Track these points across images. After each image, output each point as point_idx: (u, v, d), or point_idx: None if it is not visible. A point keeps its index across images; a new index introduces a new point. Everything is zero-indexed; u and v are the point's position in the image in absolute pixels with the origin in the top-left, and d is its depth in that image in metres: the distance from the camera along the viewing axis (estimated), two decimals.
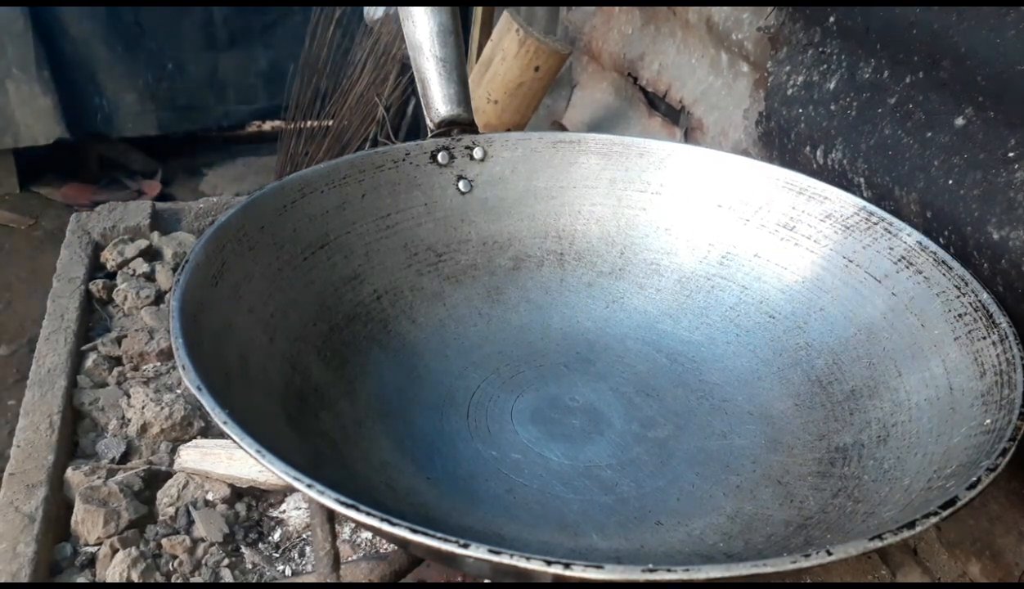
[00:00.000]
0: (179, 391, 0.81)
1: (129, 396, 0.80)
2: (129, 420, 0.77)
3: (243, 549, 0.66)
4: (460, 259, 0.69)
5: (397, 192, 0.67)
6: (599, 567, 0.32)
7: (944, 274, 0.54)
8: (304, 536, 0.68)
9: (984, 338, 0.49)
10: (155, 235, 1.05)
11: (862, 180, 0.70)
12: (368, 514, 0.34)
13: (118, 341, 0.88)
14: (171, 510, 0.68)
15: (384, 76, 1.73)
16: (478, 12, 1.54)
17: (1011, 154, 0.56)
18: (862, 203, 0.61)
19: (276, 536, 0.68)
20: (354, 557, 0.64)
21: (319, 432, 0.53)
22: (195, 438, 0.75)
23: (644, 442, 0.58)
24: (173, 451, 0.74)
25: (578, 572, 0.32)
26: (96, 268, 1.01)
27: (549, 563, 0.32)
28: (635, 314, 0.69)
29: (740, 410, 0.60)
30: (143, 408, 0.77)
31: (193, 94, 2.03)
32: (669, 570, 0.32)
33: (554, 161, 0.71)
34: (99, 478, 0.70)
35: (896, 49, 0.67)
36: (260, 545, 0.67)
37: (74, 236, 1.03)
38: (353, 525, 0.68)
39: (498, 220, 0.70)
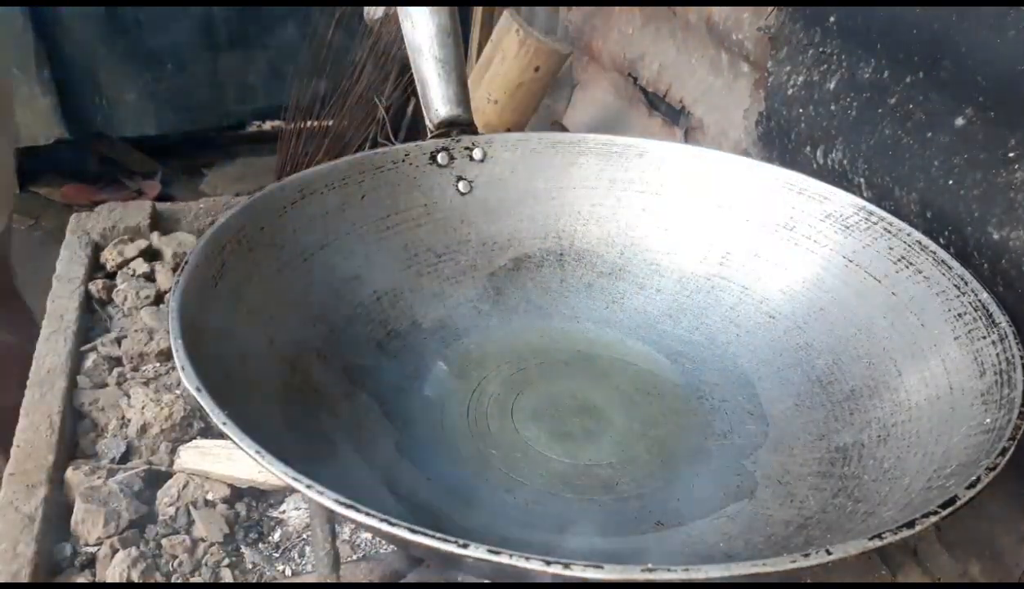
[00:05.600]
0: (179, 391, 0.81)
1: (129, 396, 0.80)
2: (129, 420, 0.77)
3: (243, 549, 0.66)
4: (460, 260, 0.69)
5: (397, 193, 0.67)
6: (599, 567, 0.32)
7: (944, 274, 0.54)
8: (304, 536, 0.68)
9: (984, 337, 0.49)
10: (155, 235, 1.05)
11: (862, 180, 0.70)
12: (368, 514, 0.34)
13: (118, 341, 0.88)
14: (171, 510, 0.68)
15: (384, 76, 1.73)
16: (478, 12, 1.54)
17: (1011, 154, 0.56)
18: (862, 203, 0.61)
19: (276, 536, 0.68)
20: (354, 557, 0.64)
21: (319, 433, 0.53)
22: (195, 438, 0.75)
23: (644, 441, 0.58)
24: (173, 451, 0.74)
25: (578, 572, 0.32)
26: (96, 268, 1.01)
27: (548, 563, 0.32)
28: (635, 314, 0.69)
29: (740, 410, 0.60)
30: (143, 408, 0.77)
31: (193, 94, 2.03)
32: (669, 570, 0.32)
33: (554, 162, 0.71)
34: (99, 478, 0.70)
35: (896, 49, 0.67)
36: (260, 545, 0.67)
37: (74, 236, 1.03)
38: (353, 525, 0.68)
39: (498, 221, 0.70)
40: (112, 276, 1.00)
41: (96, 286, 0.96)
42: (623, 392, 0.62)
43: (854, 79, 0.71)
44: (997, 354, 0.48)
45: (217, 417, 0.40)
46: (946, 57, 0.62)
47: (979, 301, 0.51)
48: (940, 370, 0.51)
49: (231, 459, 0.70)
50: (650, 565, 0.32)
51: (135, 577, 0.62)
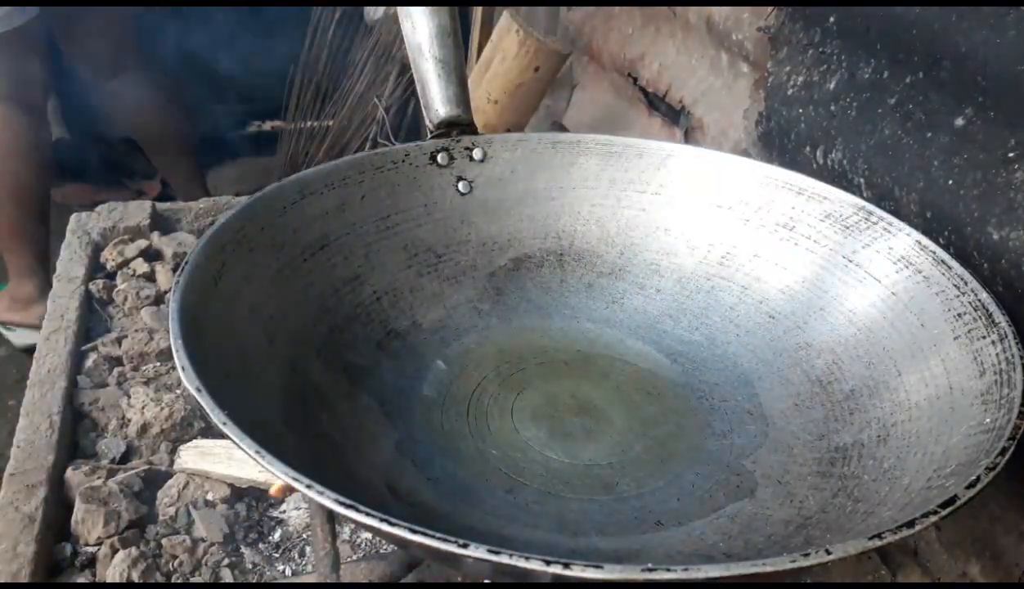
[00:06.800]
0: (179, 391, 0.81)
1: (129, 396, 0.80)
2: (129, 420, 0.77)
3: (243, 549, 0.66)
4: (460, 260, 0.69)
5: (397, 193, 0.67)
6: (598, 567, 0.32)
7: (943, 273, 0.54)
8: (304, 536, 0.68)
9: (983, 337, 0.49)
10: (155, 235, 1.05)
11: (862, 180, 0.70)
12: (367, 514, 0.34)
13: (118, 341, 0.88)
14: (171, 510, 0.68)
15: (384, 76, 1.73)
16: (478, 12, 1.54)
17: (1011, 154, 0.56)
18: (861, 203, 0.61)
19: (276, 536, 0.68)
20: (354, 557, 0.64)
21: (319, 433, 0.53)
22: (195, 438, 0.75)
23: (644, 441, 0.58)
24: (173, 451, 0.74)
25: (577, 572, 0.32)
26: (96, 268, 1.01)
27: (548, 563, 0.32)
28: (635, 314, 0.69)
29: (740, 410, 0.60)
30: (143, 408, 0.77)
31: (193, 94, 2.02)
32: (668, 569, 0.32)
33: (554, 162, 0.71)
34: (99, 478, 0.70)
35: (896, 49, 0.67)
36: (260, 545, 0.67)
37: (74, 236, 1.03)
38: (353, 525, 0.68)
39: (498, 221, 0.70)
40: (112, 276, 1.00)
41: (96, 286, 0.96)
42: (623, 392, 0.62)
43: (854, 79, 0.71)
44: (997, 354, 0.48)
45: (217, 417, 0.40)
46: (946, 57, 0.62)
47: (979, 301, 0.51)
48: (940, 370, 0.51)
49: (231, 459, 0.70)
50: (650, 565, 0.32)
51: (135, 577, 0.62)
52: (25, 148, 1.47)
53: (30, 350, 0.85)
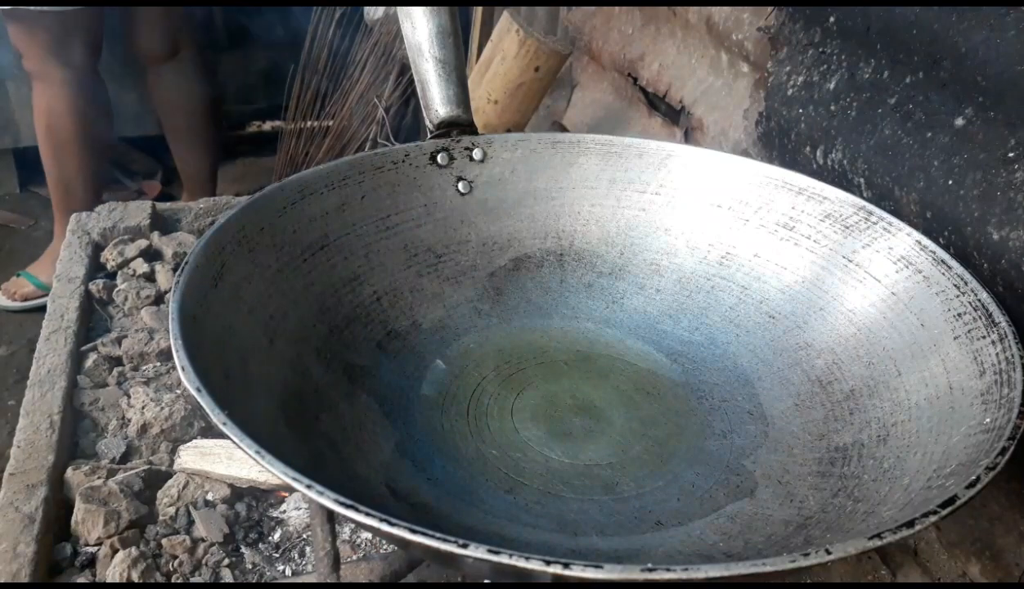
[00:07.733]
0: (179, 391, 0.81)
1: (129, 396, 0.80)
2: (129, 420, 0.77)
3: (243, 549, 0.66)
4: (460, 260, 0.69)
5: (397, 193, 0.67)
6: (598, 567, 0.32)
7: (943, 273, 0.54)
8: (304, 536, 0.68)
9: (983, 337, 0.49)
10: (155, 235, 1.05)
11: (862, 180, 0.70)
12: (367, 514, 0.34)
13: (118, 341, 0.88)
14: (171, 510, 0.68)
15: (384, 76, 1.73)
16: (478, 13, 1.54)
17: (1011, 154, 0.56)
18: (861, 203, 0.62)
19: (276, 536, 0.68)
20: (354, 557, 0.64)
21: (319, 433, 0.53)
22: (195, 438, 0.75)
23: (644, 441, 0.58)
24: (173, 451, 0.74)
25: (577, 572, 0.32)
26: (96, 268, 1.01)
27: (548, 563, 0.32)
28: (635, 314, 0.69)
29: (740, 410, 0.60)
30: (143, 408, 0.77)
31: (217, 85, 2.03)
32: (668, 569, 0.32)
33: (554, 162, 0.71)
34: (99, 478, 0.70)
35: (896, 49, 0.67)
36: (260, 545, 0.67)
37: (74, 236, 1.03)
38: (353, 525, 0.68)
39: (498, 221, 0.70)
40: (112, 276, 1.00)
41: (96, 286, 0.96)
42: (623, 392, 0.62)
43: (854, 79, 0.71)
44: (997, 354, 0.48)
45: (217, 417, 0.40)
46: (946, 57, 0.62)
47: (979, 301, 0.51)
48: (940, 370, 0.51)
49: (231, 459, 0.70)
50: (650, 565, 0.32)
51: (135, 577, 0.62)
52: (87, 109, 1.55)
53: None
